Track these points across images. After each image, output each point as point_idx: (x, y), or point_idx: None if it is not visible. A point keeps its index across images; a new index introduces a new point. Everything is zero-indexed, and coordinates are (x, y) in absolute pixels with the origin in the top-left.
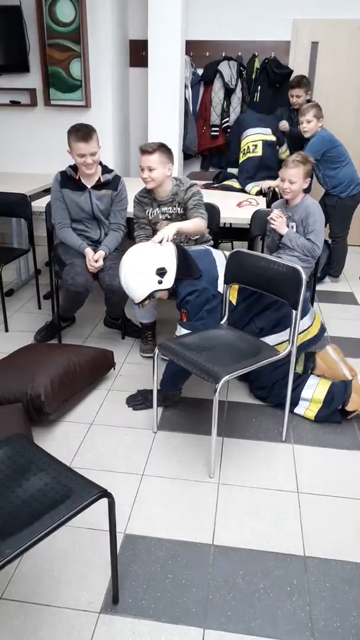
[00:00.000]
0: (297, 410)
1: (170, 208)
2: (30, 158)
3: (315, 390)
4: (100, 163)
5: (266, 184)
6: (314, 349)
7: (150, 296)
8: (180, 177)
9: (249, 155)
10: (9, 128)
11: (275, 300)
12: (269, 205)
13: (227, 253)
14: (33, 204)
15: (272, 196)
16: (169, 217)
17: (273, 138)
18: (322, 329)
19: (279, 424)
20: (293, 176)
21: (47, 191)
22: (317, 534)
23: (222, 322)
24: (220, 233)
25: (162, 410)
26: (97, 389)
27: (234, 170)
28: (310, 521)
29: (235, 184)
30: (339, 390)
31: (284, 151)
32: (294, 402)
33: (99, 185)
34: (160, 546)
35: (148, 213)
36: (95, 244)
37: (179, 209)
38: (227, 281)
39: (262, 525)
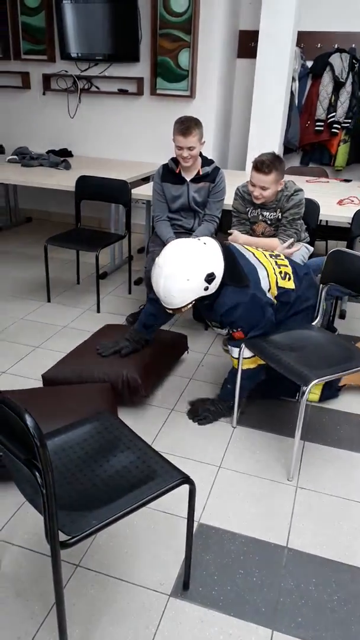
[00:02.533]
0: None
1: (272, 213)
2: (133, 146)
3: None
4: (201, 154)
5: None
6: None
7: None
8: (287, 180)
9: None
10: (115, 115)
11: (310, 305)
12: None
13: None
14: (133, 191)
15: None
16: (268, 221)
17: None
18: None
19: None
20: None
21: (146, 179)
22: None
23: (315, 322)
24: (318, 231)
25: (243, 407)
26: (180, 377)
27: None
28: None
29: None
30: None
31: None
32: (294, 392)
33: (197, 178)
34: (233, 540)
35: (248, 211)
36: (188, 233)
37: (279, 214)
38: (325, 281)
39: (340, 536)
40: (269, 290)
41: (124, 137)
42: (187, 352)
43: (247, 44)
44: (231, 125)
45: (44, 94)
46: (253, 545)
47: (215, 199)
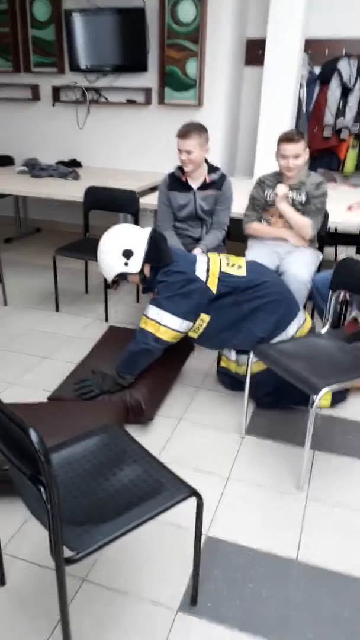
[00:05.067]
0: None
1: (296, 193)
2: (142, 155)
3: None
4: (207, 161)
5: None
6: None
7: (122, 278)
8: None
9: None
10: (123, 125)
11: (272, 300)
12: None
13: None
14: (141, 200)
15: None
16: (290, 202)
17: None
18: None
19: None
20: None
21: (154, 189)
22: None
23: (323, 330)
24: (327, 238)
25: (252, 415)
26: (187, 386)
27: None
28: None
29: None
30: None
31: None
32: (306, 400)
33: (204, 186)
34: (242, 553)
35: (267, 194)
36: (196, 242)
37: (303, 197)
38: (334, 287)
39: (351, 548)
40: (207, 272)
41: (132, 147)
42: (193, 353)
43: (254, 52)
44: (239, 133)
45: (53, 105)
46: (262, 559)
47: (223, 206)
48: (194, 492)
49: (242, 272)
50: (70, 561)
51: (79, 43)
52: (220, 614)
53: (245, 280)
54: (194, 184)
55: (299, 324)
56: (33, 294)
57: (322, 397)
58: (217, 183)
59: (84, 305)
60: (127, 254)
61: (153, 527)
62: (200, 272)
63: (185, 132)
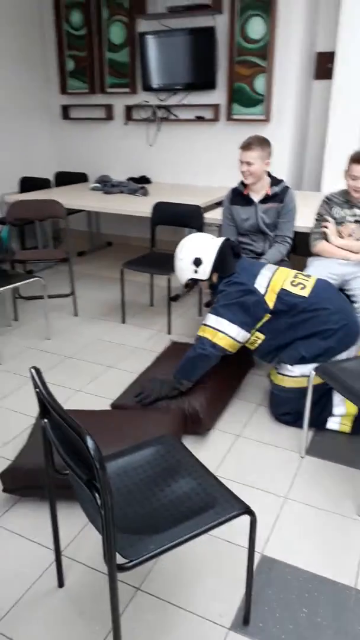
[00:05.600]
0: (330, 425)
1: None
2: (209, 171)
3: (347, 404)
4: (270, 174)
5: None
6: None
7: (193, 282)
8: None
9: None
10: (192, 142)
11: (327, 328)
12: None
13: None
14: (205, 215)
15: None
16: (358, 219)
17: None
18: None
19: None
20: None
21: (220, 203)
22: None
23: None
24: None
25: (312, 436)
26: (247, 402)
27: None
28: None
29: None
30: None
31: None
32: (325, 421)
33: (266, 199)
34: (297, 576)
35: (334, 212)
36: (258, 257)
37: None
38: None
39: None
40: (267, 287)
41: (200, 162)
42: (254, 368)
43: (324, 65)
44: (307, 147)
45: (125, 124)
46: (318, 583)
47: (286, 219)
48: (247, 510)
49: (305, 293)
50: (122, 568)
51: (151, 64)
52: (272, 635)
53: (304, 301)
54: (256, 197)
55: (349, 355)
56: (101, 306)
57: (341, 422)
58: (279, 195)
59: (149, 318)
60: (197, 262)
61: (208, 542)
62: (260, 285)
63: (248, 144)
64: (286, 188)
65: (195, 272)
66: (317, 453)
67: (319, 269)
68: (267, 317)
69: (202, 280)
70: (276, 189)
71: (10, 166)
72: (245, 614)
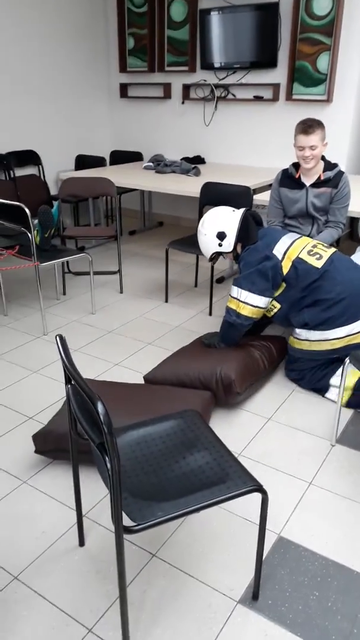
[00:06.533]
0: (329, 395)
1: None
2: (265, 152)
3: (347, 378)
4: (324, 158)
5: None
6: None
7: (218, 255)
8: None
9: None
10: (249, 122)
11: (328, 298)
12: None
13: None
14: (255, 197)
15: None
16: None
17: None
18: None
19: None
20: None
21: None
22: None
23: None
24: None
25: (346, 425)
26: (282, 386)
27: None
28: None
29: None
30: None
31: None
32: (325, 388)
33: (318, 183)
34: (312, 560)
35: None
36: None
37: None
38: None
39: None
40: (284, 254)
41: (256, 143)
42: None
43: None
44: None
45: (182, 103)
46: (333, 569)
47: (339, 205)
48: (259, 487)
49: (319, 264)
50: (129, 530)
51: (213, 41)
52: (280, 613)
53: (316, 271)
54: (307, 180)
55: (350, 332)
56: (147, 284)
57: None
58: (332, 180)
59: (192, 298)
60: (221, 235)
61: (225, 518)
62: (278, 250)
63: (309, 127)
64: (340, 172)
65: (220, 245)
66: (348, 442)
67: None
68: (283, 286)
69: (227, 253)
70: (330, 173)
71: (67, 144)
72: (254, 590)
